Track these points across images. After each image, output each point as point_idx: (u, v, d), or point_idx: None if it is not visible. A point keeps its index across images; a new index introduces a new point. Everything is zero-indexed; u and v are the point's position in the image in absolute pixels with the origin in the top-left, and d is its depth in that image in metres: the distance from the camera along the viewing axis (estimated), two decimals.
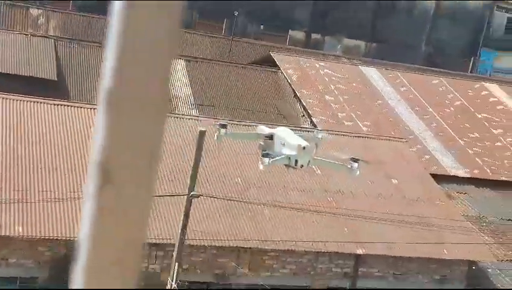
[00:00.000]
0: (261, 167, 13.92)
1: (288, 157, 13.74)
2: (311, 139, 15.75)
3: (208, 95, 31.46)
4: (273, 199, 21.19)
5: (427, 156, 30.09)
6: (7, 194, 17.94)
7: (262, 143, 14.31)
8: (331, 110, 32.06)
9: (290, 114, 31.93)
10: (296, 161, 13.73)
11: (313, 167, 22.03)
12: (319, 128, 28.27)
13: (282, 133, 14.14)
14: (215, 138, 14.82)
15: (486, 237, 24.69)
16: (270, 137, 14.04)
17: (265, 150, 14.11)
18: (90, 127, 21.58)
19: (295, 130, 25.54)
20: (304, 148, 13.54)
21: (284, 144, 13.74)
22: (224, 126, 14.60)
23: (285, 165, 14.09)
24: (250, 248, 19.59)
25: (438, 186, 25.54)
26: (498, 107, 36.18)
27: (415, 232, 21.80)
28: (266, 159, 13.77)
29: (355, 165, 14.69)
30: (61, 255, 18.04)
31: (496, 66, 48.69)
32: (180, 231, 15.79)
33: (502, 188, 29.60)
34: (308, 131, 26.50)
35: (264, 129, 14.59)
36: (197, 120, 23.94)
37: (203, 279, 19.56)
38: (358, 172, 15.27)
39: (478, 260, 22.96)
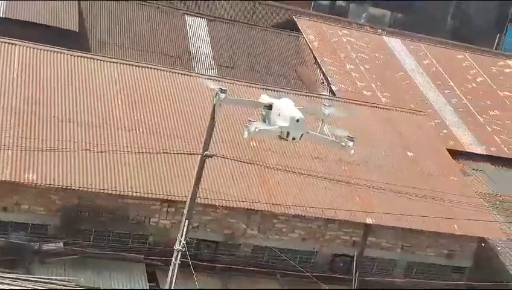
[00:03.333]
0: (245, 134, 13.59)
1: (280, 129, 13.49)
2: (317, 114, 15.54)
3: (228, 56, 31.28)
4: (287, 164, 21.18)
5: (445, 131, 29.83)
6: (21, 142, 18.09)
7: (263, 113, 14.09)
8: (351, 78, 31.79)
9: (310, 80, 31.70)
10: (288, 133, 13.48)
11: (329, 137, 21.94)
12: (337, 97, 28.08)
13: (282, 104, 13.87)
14: (214, 101, 14.58)
15: (499, 215, 24.56)
16: (269, 107, 13.82)
17: (265, 120, 13.87)
18: (110, 81, 21.60)
19: (311, 96, 25.46)
20: (298, 120, 13.32)
21: (279, 115, 13.53)
22: (223, 91, 14.36)
23: (279, 136, 13.77)
24: (260, 210, 19.66)
25: (453, 162, 25.37)
26: None
27: (426, 206, 21.73)
28: (252, 128, 13.47)
29: (350, 143, 14.48)
30: (73, 205, 18.24)
31: None
32: (192, 189, 15.82)
33: None
34: (324, 98, 26.31)
35: (265, 98, 14.36)
36: (215, 80, 23.86)
37: (212, 238, 19.71)
38: (352, 151, 15.08)
39: (488, 237, 22.89)
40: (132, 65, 22.88)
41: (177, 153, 19.52)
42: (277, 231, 20.22)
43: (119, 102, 20.98)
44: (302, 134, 13.57)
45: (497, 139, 30.61)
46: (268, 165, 20.68)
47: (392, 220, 20.83)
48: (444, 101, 32.20)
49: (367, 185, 21.51)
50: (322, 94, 28.20)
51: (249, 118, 13.75)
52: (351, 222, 20.62)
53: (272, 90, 24.43)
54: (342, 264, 20.93)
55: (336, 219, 20.38)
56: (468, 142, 29.68)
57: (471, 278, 22.08)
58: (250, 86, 24.35)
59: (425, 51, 36.08)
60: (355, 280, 20.76)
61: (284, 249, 19.99)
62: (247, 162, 20.19)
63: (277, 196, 20.06)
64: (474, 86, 34.39)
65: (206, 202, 18.80)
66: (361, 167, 22.68)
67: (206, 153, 15.42)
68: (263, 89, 24.20)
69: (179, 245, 15.70)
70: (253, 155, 21.10)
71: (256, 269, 19.86)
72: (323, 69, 31.68)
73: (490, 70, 35.96)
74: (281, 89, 25.12)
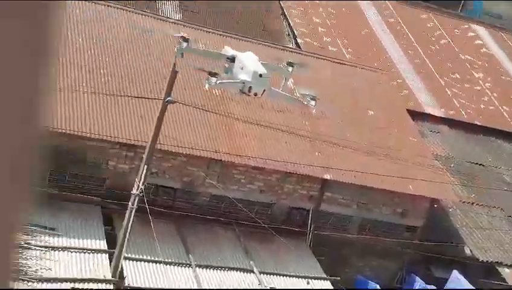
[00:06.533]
0: (206, 86, 13.35)
1: (242, 83, 13.25)
2: (280, 71, 15.37)
3: (192, 2, 30.60)
4: (250, 116, 21.07)
5: (405, 91, 30.08)
6: None
7: (226, 65, 13.81)
8: (317, 33, 31.58)
9: (275, 31, 31.37)
10: (250, 88, 13.25)
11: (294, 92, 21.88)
12: (302, 51, 27.91)
13: (246, 57, 13.59)
14: (175, 50, 14.21)
15: (452, 178, 25.10)
16: (232, 59, 13.53)
17: (227, 72, 13.61)
18: (76, 20, 20.91)
19: (276, 48, 25.24)
20: (261, 75, 13.11)
21: (242, 68, 13.28)
22: (186, 40, 13.98)
23: (240, 90, 13.52)
24: (221, 160, 19.60)
25: (412, 122, 25.69)
26: (482, 51, 36.09)
27: (383, 164, 22.04)
28: (213, 79, 13.16)
29: (313, 102, 14.43)
30: None
31: (486, 9, 48.21)
32: (152, 134, 15.62)
33: (475, 132, 29.94)
34: (289, 50, 26.13)
35: (229, 50, 14.06)
36: (178, 25, 23.38)
37: (171, 184, 19.62)
38: (314, 110, 15.10)
39: (441, 198, 23.42)
40: (97, 4, 22.18)
41: (139, 98, 19.17)
42: (236, 182, 20.24)
43: (81, 40, 20.38)
44: (264, 90, 13.42)
45: (456, 102, 31.06)
46: (230, 115, 20.54)
47: (349, 177, 21.06)
48: (406, 61, 32.38)
49: (327, 141, 21.63)
50: (287, 47, 27.96)
51: (209, 70, 13.49)
52: (309, 176, 20.77)
53: (236, 38, 24.11)
54: (298, 217, 21.17)
55: (295, 172, 20.48)
56: (428, 104, 30.04)
57: (422, 237, 22.65)
58: (214, 33, 23.94)
59: (391, 9, 36.03)
60: (309, 233, 21.05)
61: (242, 199, 20.05)
62: (209, 111, 19.99)
63: (238, 146, 20.01)
64: (437, 47, 34.64)
65: (166, 149, 18.62)
66: (323, 122, 22.75)
67: (168, 98, 15.17)
68: (227, 36, 23.86)
69: (137, 190, 15.57)
70: (217, 104, 20.90)
71: (213, 217, 19.93)
72: (289, 21, 31.36)
73: (454, 33, 36.23)
74: (245, 38, 24.80)
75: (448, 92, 31.55)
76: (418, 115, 28.38)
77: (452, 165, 26.62)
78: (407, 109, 26.54)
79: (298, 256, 20.10)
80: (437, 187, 22.41)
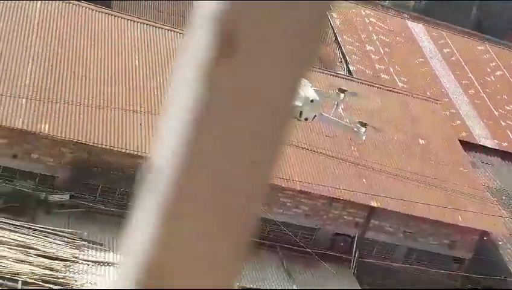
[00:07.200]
0: None
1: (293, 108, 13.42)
2: (331, 97, 15.48)
3: None
4: (297, 140, 21.18)
5: (458, 121, 29.68)
6: (36, 92, 18.17)
7: None
8: (370, 60, 31.57)
9: (327, 57, 31.53)
10: (301, 113, 13.37)
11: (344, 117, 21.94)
12: (354, 78, 27.96)
13: None
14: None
15: (504, 211, 24.53)
16: None
17: None
18: (130, 40, 21.56)
19: (328, 73, 25.37)
20: (312, 101, 13.23)
21: None
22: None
23: None
24: None
25: (464, 153, 25.30)
26: None
27: (432, 194, 21.76)
28: None
29: (363, 129, 14.45)
30: (83, 159, 18.37)
31: None
32: None
33: None
34: (341, 77, 26.21)
35: None
36: None
37: None
38: (364, 137, 15.08)
39: (491, 231, 22.91)
40: (154, 26, 22.80)
41: None
42: (281, 205, 20.30)
43: (137, 62, 20.97)
44: (315, 115, 13.56)
45: (509, 134, 30.45)
46: None
47: (396, 205, 20.87)
48: (460, 92, 31.99)
49: (375, 168, 21.52)
50: (339, 73, 28.06)
51: None
52: (355, 202, 20.68)
53: None
54: (342, 244, 21.04)
55: (341, 198, 20.43)
56: (481, 135, 29.54)
57: (470, 270, 22.17)
58: None
59: (447, 40, 35.74)
60: (354, 260, 20.88)
61: (287, 223, 20.09)
62: None
63: (284, 170, 20.10)
64: (493, 79, 34.10)
65: None
66: (372, 149, 22.65)
67: None
68: None
69: None
70: None
71: (257, 240, 20.00)
72: (342, 48, 31.47)
73: (510, 65, 35.62)
74: None
75: (502, 124, 30.96)
76: (470, 146, 27.91)
77: (504, 198, 26.03)
78: (459, 140, 26.18)
79: (341, 283, 19.94)
80: (487, 219, 21.95)
